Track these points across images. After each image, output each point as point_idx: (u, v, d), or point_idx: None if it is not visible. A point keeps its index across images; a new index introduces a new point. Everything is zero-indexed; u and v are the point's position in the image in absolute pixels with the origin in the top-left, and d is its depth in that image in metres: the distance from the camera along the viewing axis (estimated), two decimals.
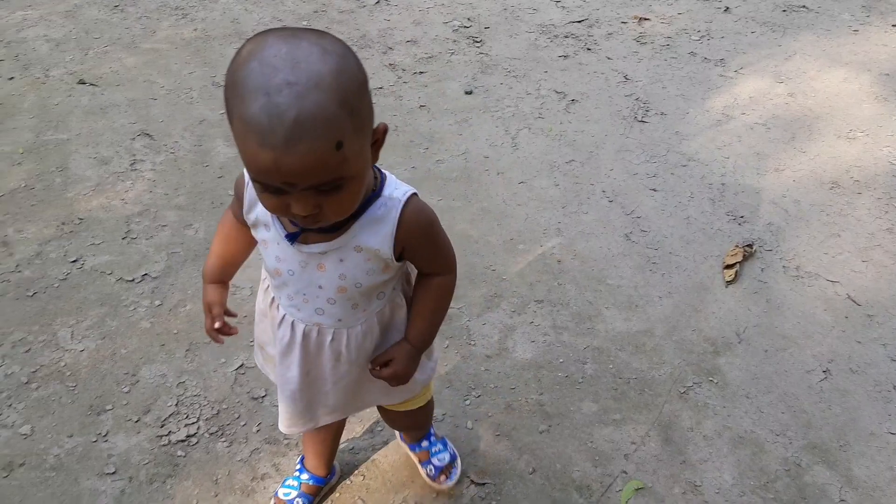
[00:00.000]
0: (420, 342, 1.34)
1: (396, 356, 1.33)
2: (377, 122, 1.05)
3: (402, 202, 1.16)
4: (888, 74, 3.50)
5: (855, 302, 2.33)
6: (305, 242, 1.17)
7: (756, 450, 1.90)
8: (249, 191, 1.21)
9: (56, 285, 2.30)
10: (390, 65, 3.50)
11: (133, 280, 2.32)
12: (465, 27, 3.82)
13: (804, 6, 4.11)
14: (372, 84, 3.30)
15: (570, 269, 2.42)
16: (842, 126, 3.14)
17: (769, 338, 2.21)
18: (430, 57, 3.57)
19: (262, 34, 0.94)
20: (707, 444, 1.91)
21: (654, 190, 2.77)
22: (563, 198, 2.70)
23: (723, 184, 2.81)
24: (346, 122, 0.92)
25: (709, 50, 3.69)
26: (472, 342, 2.15)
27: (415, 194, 1.19)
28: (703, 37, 3.81)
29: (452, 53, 3.62)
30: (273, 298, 1.31)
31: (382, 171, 1.19)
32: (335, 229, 1.15)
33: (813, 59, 3.62)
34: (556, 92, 3.34)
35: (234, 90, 0.92)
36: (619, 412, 1.98)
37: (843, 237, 2.57)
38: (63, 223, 2.53)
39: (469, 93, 3.31)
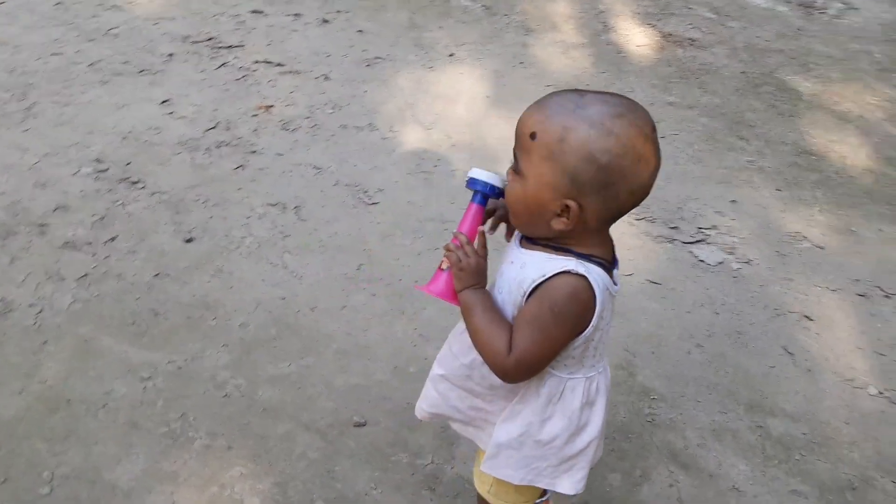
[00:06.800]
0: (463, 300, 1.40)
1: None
2: None
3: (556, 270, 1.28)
4: (488, 96, 4.09)
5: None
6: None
7: None
8: None
9: None
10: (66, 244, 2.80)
11: None
12: (103, 171, 3.23)
13: (378, 57, 4.46)
14: None
15: None
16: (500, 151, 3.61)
17: None
18: (101, 218, 2.95)
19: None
20: None
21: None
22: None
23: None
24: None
25: (351, 118, 3.80)
26: None
27: (567, 272, 1.27)
28: (334, 108, 3.89)
29: (119, 204, 3.05)
30: None
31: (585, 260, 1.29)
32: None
33: (424, 98, 4.00)
34: (272, 205, 3.11)
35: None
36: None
37: None
38: None
39: (189, 241, 2.86)
